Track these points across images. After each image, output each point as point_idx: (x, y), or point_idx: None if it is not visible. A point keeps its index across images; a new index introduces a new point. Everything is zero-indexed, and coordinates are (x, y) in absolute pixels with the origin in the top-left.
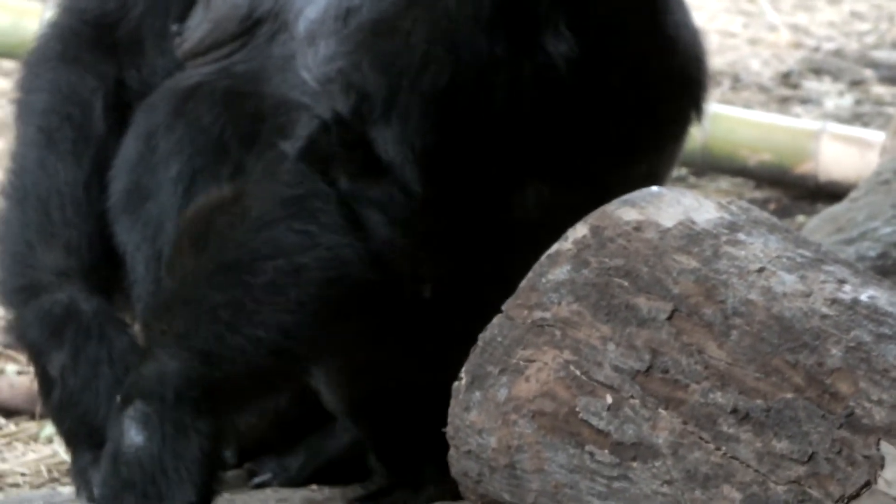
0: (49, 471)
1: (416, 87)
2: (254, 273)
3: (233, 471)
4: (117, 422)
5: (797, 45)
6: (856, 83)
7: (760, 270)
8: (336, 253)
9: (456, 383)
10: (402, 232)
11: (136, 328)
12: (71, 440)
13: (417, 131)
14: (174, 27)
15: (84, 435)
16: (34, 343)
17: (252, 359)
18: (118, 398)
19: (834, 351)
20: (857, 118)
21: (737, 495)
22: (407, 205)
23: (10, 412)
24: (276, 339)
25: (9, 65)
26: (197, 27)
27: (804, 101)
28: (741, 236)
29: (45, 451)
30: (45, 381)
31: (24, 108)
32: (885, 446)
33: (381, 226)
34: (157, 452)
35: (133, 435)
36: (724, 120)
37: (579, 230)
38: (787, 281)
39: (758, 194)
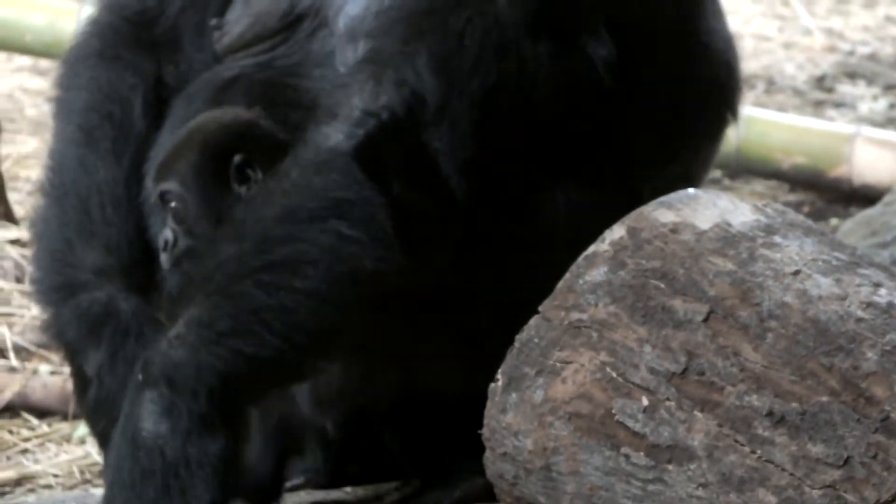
0: (81, 472)
1: (466, 91)
2: (299, 276)
3: None
4: (136, 401)
5: (832, 49)
6: (890, 87)
7: (796, 273)
8: (380, 265)
9: (492, 385)
10: (446, 241)
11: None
12: (105, 441)
13: (464, 137)
14: (213, 21)
15: None
16: (71, 342)
17: (292, 363)
18: (139, 375)
19: (869, 354)
20: (891, 122)
21: (772, 499)
22: (452, 214)
23: (42, 413)
24: (318, 345)
25: (45, 64)
26: (237, 21)
27: (838, 105)
28: (777, 239)
29: (78, 452)
30: (81, 380)
31: (64, 105)
32: None
33: (428, 236)
34: (181, 446)
35: (155, 421)
36: (758, 123)
37: (616, 231)
38: (823, 284)
39: (791, 197)
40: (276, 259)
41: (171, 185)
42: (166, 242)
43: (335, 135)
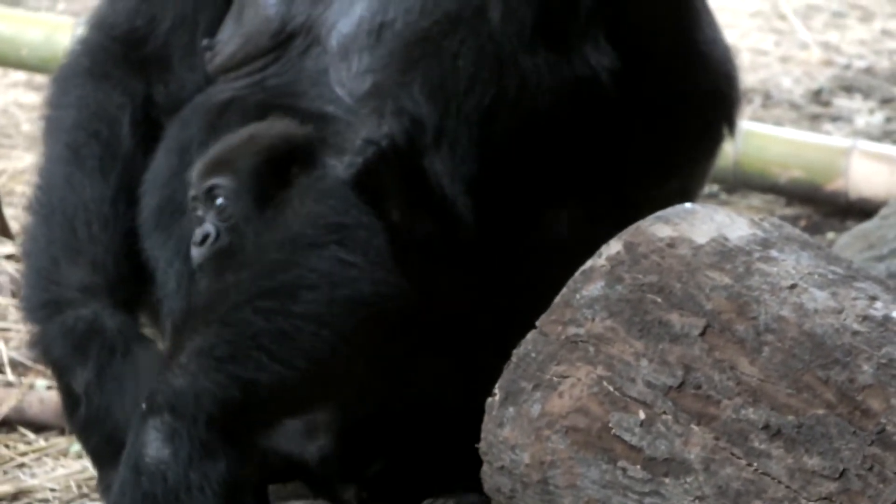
0: (79, 486)
1: (463, 112)
2: (296, 301)
3: None
4: (141, 430)
5: (828, 63)
6: (886, 101)
7: (792, 287)
8: (379, 289)
9: (489, 399)
10: (447, 262)
11: (162, 344)
12: (98, 458)
13: (465, 157)
14: (205, 41)
15: (111, 453)
16: (58, 359)
17: (290, 387)
18: (143, 405)
19: (865, 367)
20: (887, 136)
21: None
22: (454, 234)
23: (39, 427)
24: (315, 368)
25: (41, 79)
26: (228, 41)
27: (835, 119)
28: (773, 253)
29: (75, 466)
30: (70, 398)
31: (52, 124)
32: None
33: (429, 258)
34: (182, 471)
35: (158, 447)
36: (755, 137)
37: (613, 246)
38: (819, 298)
39: (788, 211)
40: (274, 285)
41: (224, 181)
42: (206, 237)
43: (335, 164)
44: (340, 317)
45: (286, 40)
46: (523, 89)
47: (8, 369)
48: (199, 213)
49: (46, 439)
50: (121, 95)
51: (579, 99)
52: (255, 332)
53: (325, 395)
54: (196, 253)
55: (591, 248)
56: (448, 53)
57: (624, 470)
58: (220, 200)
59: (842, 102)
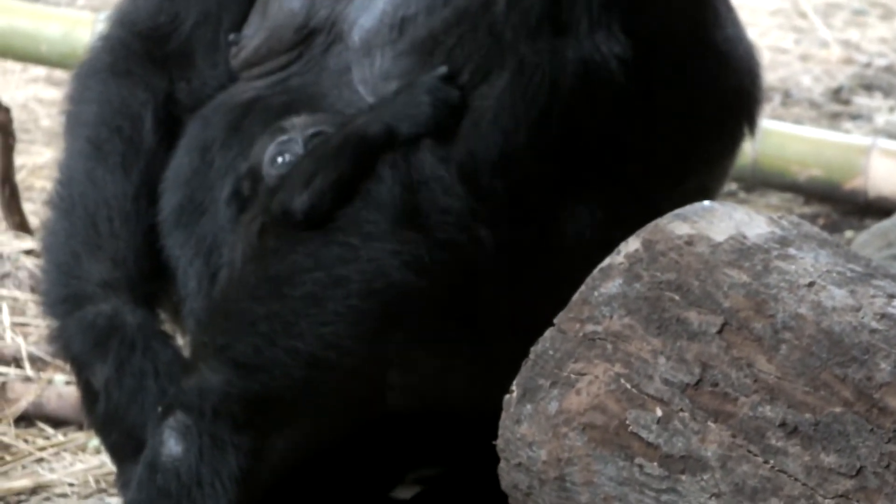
0: (97, 481)
1: (474, 108)
2: (293, 285)
3: None
4: (157, 431)
5: (848, 62)
6: None
7: (810, 285)
8: (378, 264)
9: (507, 396)
10: (465, 257)
11: (184, 342)
12: (117, 453)
13: (484, 155)
14: (231, 36)
15: (130, 448)
16: (77, 355)
17: (290, 371)
18: (159, 408)
19: (883, 365)
20: None
21: None
22: (476, 230)
23: (58, 422)
24: (315, 350)
25: (60, 74)
26: (253, 36)
27: (854, 117)
28: (792, 251)
29: (93, 461)
30: (89, 393)
31: (74, 119)
32: None
33: (446, 254)
34: (194, 465)
35: (172, 445)
36: (774, 135)
37: (632, 244)
38: (837, 295)
39: (807, 210)
40: (269, 273)
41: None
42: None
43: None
44: (339, 297)
45: (309, 36)
46: (534, 78)
47: (27, 364)
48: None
49: (65, 434)
50: (143, 92)
51: (592, 89)
52: (252, 318)
53: (339, 380)
54: (272, 171)
55: (611, 246)
56: (452, 50)
57: (641, 467)
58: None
59: (861, 101)
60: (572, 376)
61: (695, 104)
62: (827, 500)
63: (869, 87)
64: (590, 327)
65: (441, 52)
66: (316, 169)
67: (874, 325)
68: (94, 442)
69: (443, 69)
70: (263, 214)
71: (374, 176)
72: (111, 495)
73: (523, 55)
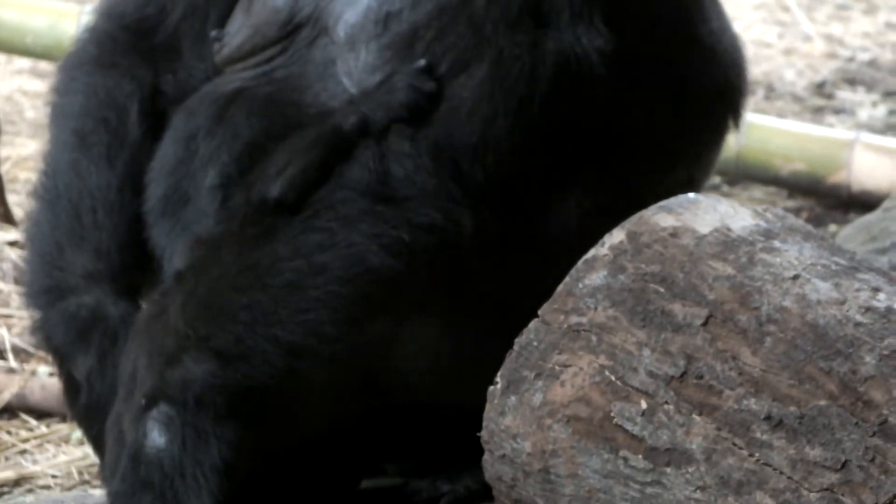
0: (80, 473)
1: (453, 98)
2: (273, 274)
3: None
4: (140, 422)
5: (831, 56)
6: (890, 93)
7: (795, 278)
8: (357, 249)
9: (491, 388)
10: (448, 247)
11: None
12: (99, 445)
13: (466, 146)
14: (213, 33)
15: None
16: (59, 346)
17: (272, 360)
18: (142, 399)
19: (868, 359)
20: (890, 128)
21: (770, 502)
22: (462, 223)
23: (41, 414)
24: (296, 338)
25: (45, 66)
26: (236, 33)
27: (838, 111)
28: (776, 244)
29: (77, 453)
30: (71, 385)
31: (59, 110)
32: None
33: (436, 246)
34: (177, 456)
35: (155, 436)
36: (757, 129)
37: (616, 236)
38: (822, 288)
39: (790, 203)
40: (248, 262)
41: None
42: None
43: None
44: (318, 285)
45: (294, 31)
46: (513, 69)
47: (10, 355)
48: None
49: (48, 426)
50: (129, 84)
51: (573, 80)
52: (232, 308)
53: (322, 369)
54: None
55: (596, 238)
56: (442, 39)
57: (625, 459)
58: None
59: (845, 95)
60: (557, 368)
61: (679, 97)
62: (812, 494)
63: (852, 82)
64: (574, 319)
65: (422, 45)
66: (288, 159)
67: (859, 318)
68: (78, 434)
69: (422, 62)
70: (244, 205)
71: (347, 159)
72: (94, 487)
73: (502, 46)
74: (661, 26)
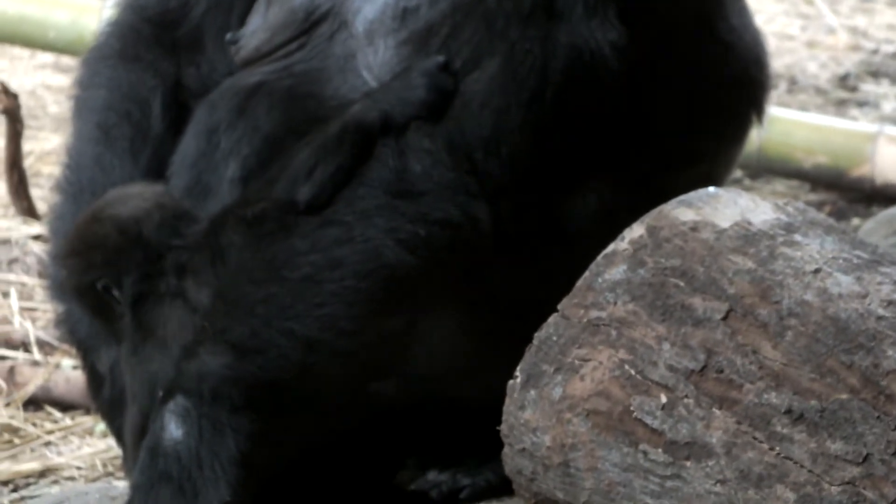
0: (104, 465)
1: (467, 93)
2: (291, 268)
3: None
4: (158, 415)
5: (855, 48)
6: None
7: (816, 272)
8: (373, 244)
9: (511, 382)
10: (467, 241)
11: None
12: (122, 436)
13: (483, 140)
14: (228, 36)
15: None
16: (83, 340)
17: (287, 353)
18: (160, 392)
19: (890, 353)
20: None
21: (790, 495)
22: (484, 217)
23: (65, 406)
24: (312, 332)
25: (68, 61)
26: (252, 35)
27: (861, 104)
28: (797, 237)
29: (101, 445)
30: (95, 378)
31: (83, 104)
32: None
33: (458, 241)
34: (194, 448)
35: (173, 429)
36: (780, 122)
37: (636, 230)
38: (844, 282)
39: (813, 197)
40: (266, 256)
41: None
42: None
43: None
44: (334, 279)
45: (313, 26)
46: (525, 62)
47: (35, 349)
48: None
49: (73, 418)
50: (152, 78)
51: (587, 74)
52: (250, 301)
53: (337, 363)
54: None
55: (615, 232)
56: (457, 35)
57: (645, 453)
58: None
59: (868, 87)
60: (576, 362)
61: (699, 92)
62: (833, 487)
63: (876, 74)
64: (594, 313)
65: (437, 41)
66: (316, 160)
67: (881, 312)
68: (101, 426)
69: (439, 58)
70: (265, 201)
71: (370, 157)
72: (118, 478)
73: (514, 40)
74: (678, 22)
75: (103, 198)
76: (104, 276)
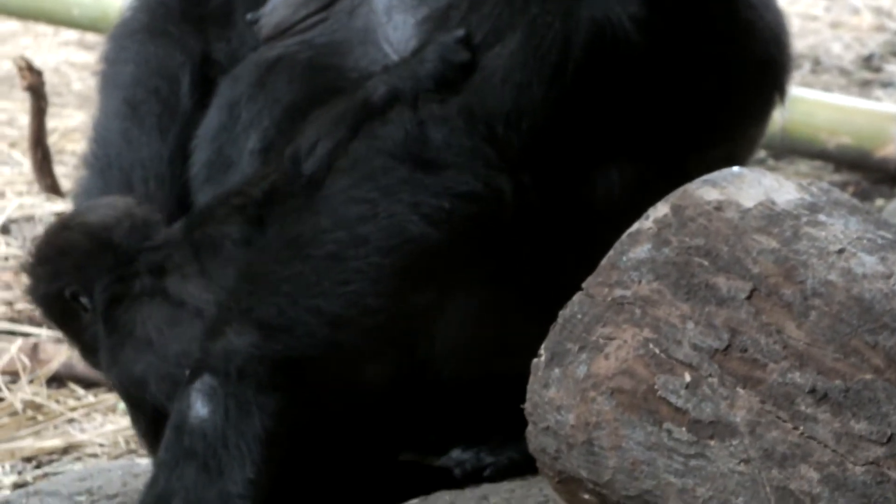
0: (127, 442)
1: (488, 69)
2: (315, 245)
3: None
4: (185, 394)
5: (879, 28)
6: None
7: (840, 251)
8: (397, 219)
9: (535, 360)
10: (491, 218)
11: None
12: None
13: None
14: (249, 16)
15: None
16: None
17: (313, 331)
18: (187, 371)
19: None
20: None
21: (814, 475)
22: (506, 194)
23: (88, 384)
24: (337, 309)
25: (92, 38)
26: (273, 12)
27: (885, 85)
28: (821, 217)
29: (123, 422)
30: None
31: (109, 79)
32: None
33: (482, 217)
34: (220, 426)
35: (199, 407)
36: (803, 103)
37: (660, 209)
38: (868, 262)
39: (836, 178)
40: (291, 234)
41: None
42: None
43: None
44: (359, 257)
45: (333, 1)
46: (546, 36)
47: None
48: None
49: (95, 395)
50: (181, 54)
51: (608, 48)
52: (275, 279)
53: (362, 341)
54: None
55: (641, 211)
56: (476, 11)
57: (669, 432)
58: None
59: (893, 68)
60: (601, 341)
61: (719, 71)
62: (857, 467)
63: None
64: (618, 292)
65: (457, 16)
66: (318, 134)
67: None
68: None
69: (459, 32)
70: (276, 173)
71: (381, 118)
72: (140, 456)
73: (535, 14)
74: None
75: (73, 209)
76: (73, 283)
